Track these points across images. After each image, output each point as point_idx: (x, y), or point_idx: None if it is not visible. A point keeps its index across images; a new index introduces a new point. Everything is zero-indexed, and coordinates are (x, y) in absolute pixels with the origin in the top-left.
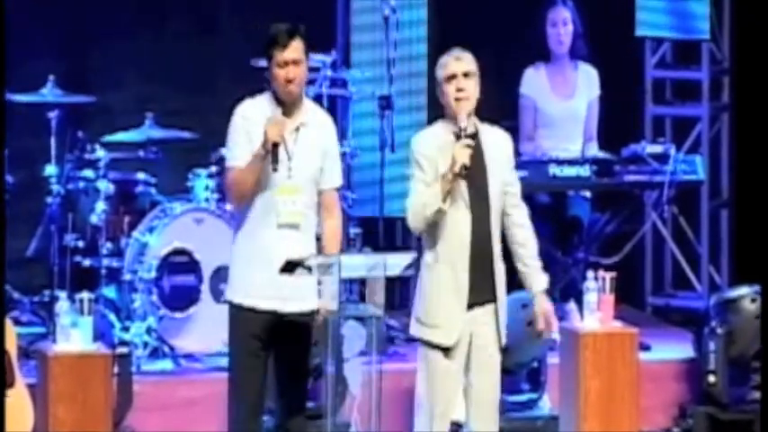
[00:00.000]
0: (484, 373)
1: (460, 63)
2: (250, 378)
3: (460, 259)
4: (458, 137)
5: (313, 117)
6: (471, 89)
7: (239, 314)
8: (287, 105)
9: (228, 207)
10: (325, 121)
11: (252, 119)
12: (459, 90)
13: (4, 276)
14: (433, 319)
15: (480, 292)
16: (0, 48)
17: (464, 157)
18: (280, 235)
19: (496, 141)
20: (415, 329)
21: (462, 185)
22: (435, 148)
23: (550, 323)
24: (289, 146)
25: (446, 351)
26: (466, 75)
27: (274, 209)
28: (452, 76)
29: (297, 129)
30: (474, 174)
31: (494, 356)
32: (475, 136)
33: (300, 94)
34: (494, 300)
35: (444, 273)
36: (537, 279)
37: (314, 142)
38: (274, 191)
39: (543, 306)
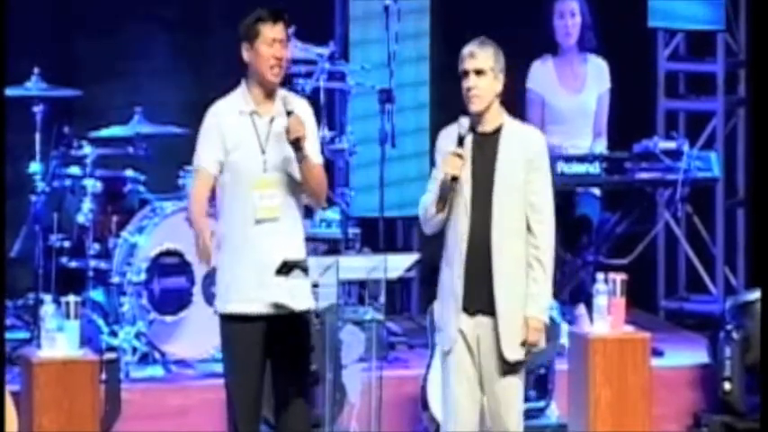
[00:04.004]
0: (491, 381)
1: (473, 60)
2: (247, 387)
3: (457, 264)
4: (458, 142)
5: (287, 106)
6: (483, 87)
7: (232, 324)
8: (264, 94)
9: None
10: (301, 108)
11: (224, 116)
12: (468, 89)
13: (4, 276)
14: (438, 322)
15: (478, 301)
16: (0, 48)
17: (452, 167)
18: (261, 231)
19: (519, 142)
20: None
21: (466, 188)
22: (450, 146)
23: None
24: (262, 139)
25: (453, 355)
26: (479, 72)
27: (251, 205)
28: (465, 73)
29: (271, 120)
30: (479, 176)
31: (497, 368)
32: (462, 141)
33: (279, 81)
34: (492, 312)
35: (446, 276)
36: (530, 304)
37: None
38: (250, 187)
39: (528, 334)
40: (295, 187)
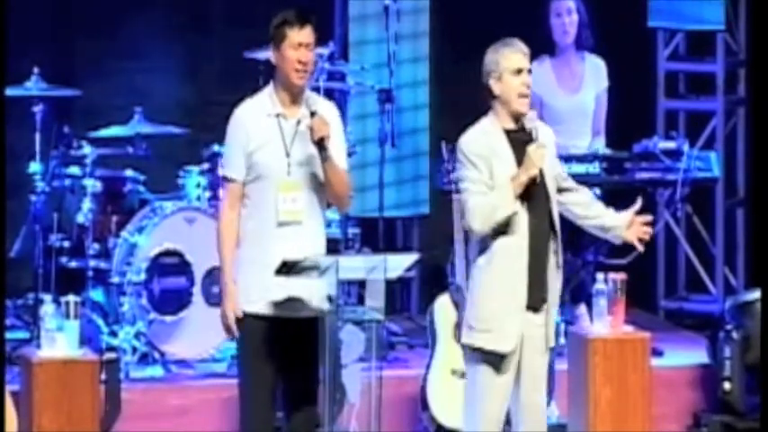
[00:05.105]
0: (532, 377)
1: (526, 59)
2: (261, 387)
3: (518, 260)
4: (528, 140)
5: (311, 106)
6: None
7: (249, 323)
8: (290, 97)
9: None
10: (326, 111)
11: (248, 117)
12: (528, 87)
13: (4, 276)
14: (487, 324)
15: (536, 295)
16: (1, 48)
17: (542, 161)
18: (283, 233)
19: (543, 136)
20: (467, 337)
21: None
22: (487, 148)
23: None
24: (287, 141)
25: (499, 360)
26: (529, 71)
27: (274, 207)
28: (520, 71)
29: (297, 122)
30: None
31: (541, 361)
32: (530, 135)
33: (306, 84)
34: (545, 301)
35: (500, 275)
36: (617, 215)
37: None
38: (274, 188)
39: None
40: (319, 190)
